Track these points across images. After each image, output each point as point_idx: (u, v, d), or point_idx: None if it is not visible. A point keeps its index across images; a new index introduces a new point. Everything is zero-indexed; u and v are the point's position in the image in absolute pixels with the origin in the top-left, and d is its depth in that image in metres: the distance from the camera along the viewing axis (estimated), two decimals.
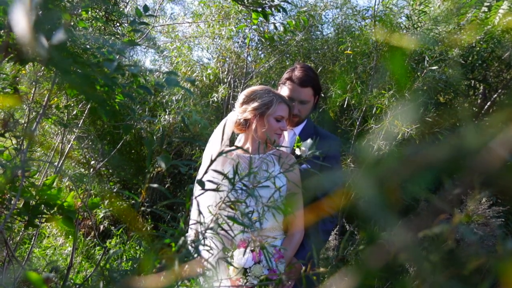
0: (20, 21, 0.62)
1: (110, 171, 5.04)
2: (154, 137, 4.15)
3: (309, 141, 2.11)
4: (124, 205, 4.67)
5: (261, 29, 4.50)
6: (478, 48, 4.32)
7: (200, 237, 0.95)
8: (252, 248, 1.69)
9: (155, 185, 0.95)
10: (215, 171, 1.02)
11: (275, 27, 2.27)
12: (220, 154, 1.01)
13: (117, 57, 1.21)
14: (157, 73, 4.59)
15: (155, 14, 4.25)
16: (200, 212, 0.98)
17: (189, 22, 5.01)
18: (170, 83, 0.96)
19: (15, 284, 1.51)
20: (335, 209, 2.12)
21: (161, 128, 4.20)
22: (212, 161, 1.01)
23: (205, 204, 1.11)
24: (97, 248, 4.45)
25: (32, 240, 1.91)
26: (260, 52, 5.02)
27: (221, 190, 0.99)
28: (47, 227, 4.80)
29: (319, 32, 5.08)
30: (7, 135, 1.23)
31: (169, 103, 4.45)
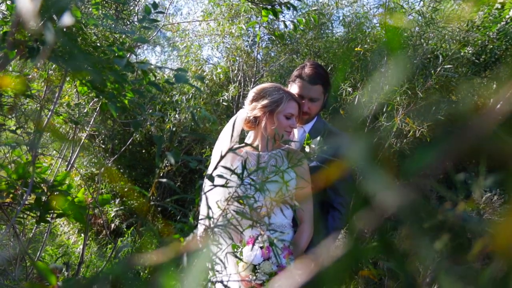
0: (26, 6, 0.63)
1: (121, 170, 5.08)
2: (164, 135, 4.17)
3: (319, 138, 2.10)
4: (135, 204, 4.71)
5: (272, 26, 4.49)
6: (491, 46, 4.25)
7: (209, 232, 0.95)
8: (261, 245, 1.68)
9: (164, 180, 0.96)
10: (224, 167, 1.02)
11: (285, 25, 2.26)
12: (230, 150, 1.01)
13: (128, 55, 1.22)
14: (167, 70, 4.61)
15: (165, 12, 4.27)
16: (209, 208, 0.98)
17: (199, 21, 5.03)
18: (179, 79, 0.97)
19: (27, 279, 1.53)
20: (345, 207, 2.11)
21: (171, 126, 4.22)
22: (222, 157, 1.01)
23: (214, 200, 1.11)
24: (109, 246, 4.50)
25: (44, 236, 1.93)
26: (270, 52, 5.01)
27: (229, 186, 0.99)
28: (59, 225, 4.86)
29: (329, 31, 5.06)
30: (18, 131, 1.25)
31: (179, 102, 4.47)
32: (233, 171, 0.97)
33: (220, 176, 1.01)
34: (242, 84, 4.62)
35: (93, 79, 1.02)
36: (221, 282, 0.92)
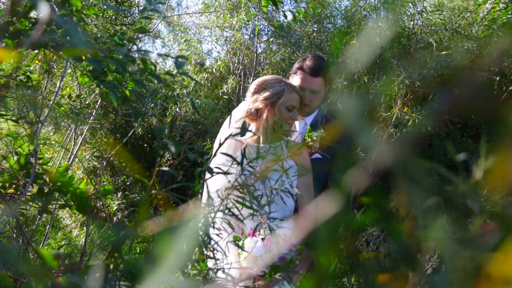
0: None
1: (123, 164, 5.09)
2: (165, 128, 4.18)
3: (320, 131, 2.10)
4: (137, 197, 4.72)
5: (272, 20, 4.47)
6: (495, 39, 4.22)
7: (210, 220, 0.95)
8: (263, 236, 1.69)
9: (165, 168, 0.96)
10: (225, 154, 1.02)
11: (285, 15, 2.26)
12: (230, 136, 1.01)
13: (129, 46, 1.22)
14: (168, 63, 4.60)
15: (165, 2, 4.27)
16: (209, 196, 0.98)
17: (199, 12, 5.01)
18: (180, 66, 0.97)
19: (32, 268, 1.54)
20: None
21: (173, 117, 4.23)
22: (221, 144, 1.01)
23: (214, 189, 1.11)
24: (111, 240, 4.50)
25: (47, 228, 1.94)
26: (272, 45, 5.00)
27: (230, 173, 0.99)
28: (62, 219, 4.87)
29: (331, 25, 5.04)
30: (20, 121, 1.25)
31: (181, 96, 4.47)
32: (234, 159, 0.97)
33: (220, 165, 1.01)
34: (243, 77, 4.61)
35: (93, 69, 1.02)
36: (222, 269, 0.92)
